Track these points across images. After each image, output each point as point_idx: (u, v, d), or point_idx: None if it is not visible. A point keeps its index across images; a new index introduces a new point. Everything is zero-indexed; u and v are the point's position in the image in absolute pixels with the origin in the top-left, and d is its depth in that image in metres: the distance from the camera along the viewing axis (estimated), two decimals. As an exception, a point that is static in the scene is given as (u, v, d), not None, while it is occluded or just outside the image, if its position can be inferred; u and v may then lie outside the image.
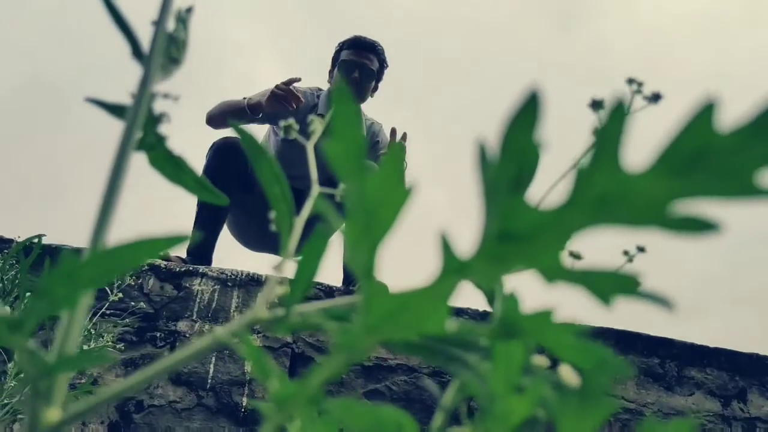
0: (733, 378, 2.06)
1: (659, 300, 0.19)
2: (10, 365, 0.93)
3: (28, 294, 0.78)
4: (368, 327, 0.20)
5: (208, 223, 2.12)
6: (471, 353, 0.22)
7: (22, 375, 0.89)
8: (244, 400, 1.59)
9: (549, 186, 0.31)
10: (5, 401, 0.88)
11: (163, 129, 0.28)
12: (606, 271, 0.18)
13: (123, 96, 0.26)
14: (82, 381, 1.40)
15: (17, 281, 0.90)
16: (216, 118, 2.25)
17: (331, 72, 2.39)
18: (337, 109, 0.19)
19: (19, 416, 0.89)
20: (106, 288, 1.35)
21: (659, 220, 0.16)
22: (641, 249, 0.43)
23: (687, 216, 0.16)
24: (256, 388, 1.62)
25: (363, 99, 2.35)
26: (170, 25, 0.28)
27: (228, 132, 2.24)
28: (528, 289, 0.24)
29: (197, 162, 2.18)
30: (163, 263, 1.77)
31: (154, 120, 0.27)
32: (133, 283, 1.61)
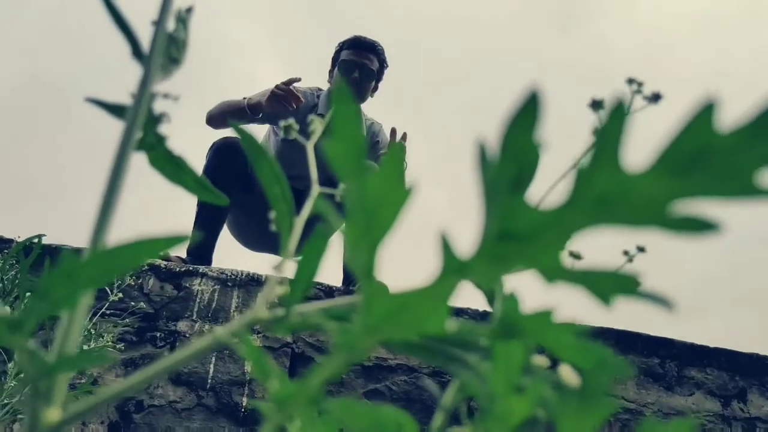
0: (733, 378, 2.06)
1: (659, 300, 0.19)
2: (10, 365, 0.93)
3: (28, 294, 0.78)
4: (368, 327, 0.20)
5: (208, 223, 2.12)
6: (471, 353, 0.22)
7: (22, 375, 0.89)
8: (244, 400, 1.59)
9: (549, 186, 0.31)
10: (5, 401, 0.88)
11: (163, 129, 0.28)
12: (606, 271, 0.18)
13: (123, 96, 0.26)
14: (82, 381, 1.40)
15: (17, 281, 0.90)
16: (216, 118, 2.25)
17: (331, 72, 2.39)
18: (337, 109, 0.19)
19: (19, 416, 0.89)
20: (106, 288, 1.35)
21: (659, 220, 0.16)
22: (641, 249, 0.43)
23: (687, 216, 0.16)
24: (256, 388, 1.62)
25: (363, 99, 2.35)
26: (170, 25, 0.28)
27: (228, 132, 2.24)
28: (528, 289, 0.24)
29: (197, 162, 2.18)
30: (163, 263, 1.77)
31: (154, 120, 0.27)
32: (133, 283, 1.61)
